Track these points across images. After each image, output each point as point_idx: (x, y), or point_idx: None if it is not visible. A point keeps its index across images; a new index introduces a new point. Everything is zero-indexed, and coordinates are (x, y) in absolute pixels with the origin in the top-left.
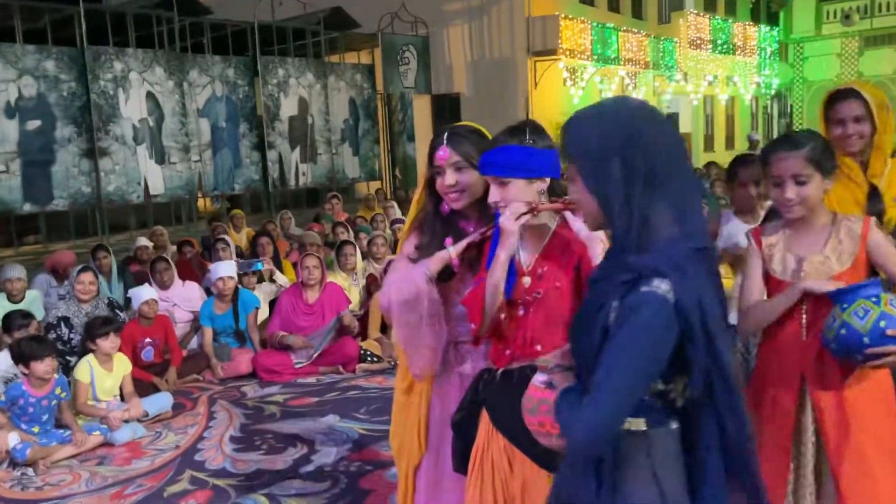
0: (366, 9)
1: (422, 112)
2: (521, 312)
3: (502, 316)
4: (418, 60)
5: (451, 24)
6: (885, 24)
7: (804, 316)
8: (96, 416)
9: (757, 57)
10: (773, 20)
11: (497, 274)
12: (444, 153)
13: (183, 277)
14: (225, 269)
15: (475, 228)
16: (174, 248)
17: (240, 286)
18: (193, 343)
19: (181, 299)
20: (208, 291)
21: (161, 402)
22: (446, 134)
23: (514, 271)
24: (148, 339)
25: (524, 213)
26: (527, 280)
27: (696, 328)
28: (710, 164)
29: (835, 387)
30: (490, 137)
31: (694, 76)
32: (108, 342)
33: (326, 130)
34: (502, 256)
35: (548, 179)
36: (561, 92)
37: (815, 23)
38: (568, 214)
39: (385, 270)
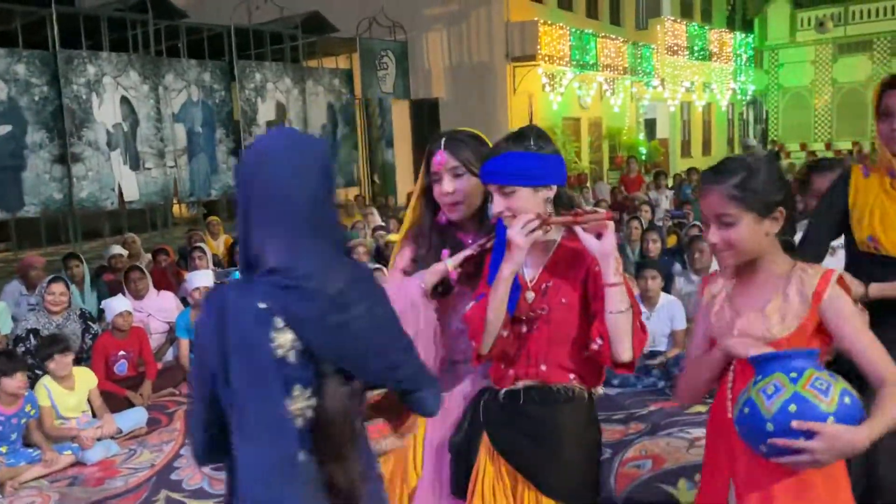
0: (344, 13)
1: (400, 117)
2: (524, 330)
3: (504, 333)
4: (397, 65)
5: (430, 30)
6: (859, 31)
7: (729, 388)
8: (67, 436)
9: (733, 63)
10: (748, 27)
11: (501, 290)
12: (442, 158)
13: (158, 287)
14: (201, 278)
15: (473, 240)
16: (149, 256)
17: None
18: (169, 355)
19: (156, 309)
20: (185, 301)
21: (135, 417)
22: (444, 139)
23: (517, 286)
24: (122, 352)
25: (536, 229)
26: (530, 295)
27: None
28: (691, 170)
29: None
30: (489, 144)
31: (671, 82)
32: (55, 364)
33: None
34: (507, 271)
35: (554, 187)
36: (540, 98)
37: (789, 30)
38: (578, 230)
39: None
